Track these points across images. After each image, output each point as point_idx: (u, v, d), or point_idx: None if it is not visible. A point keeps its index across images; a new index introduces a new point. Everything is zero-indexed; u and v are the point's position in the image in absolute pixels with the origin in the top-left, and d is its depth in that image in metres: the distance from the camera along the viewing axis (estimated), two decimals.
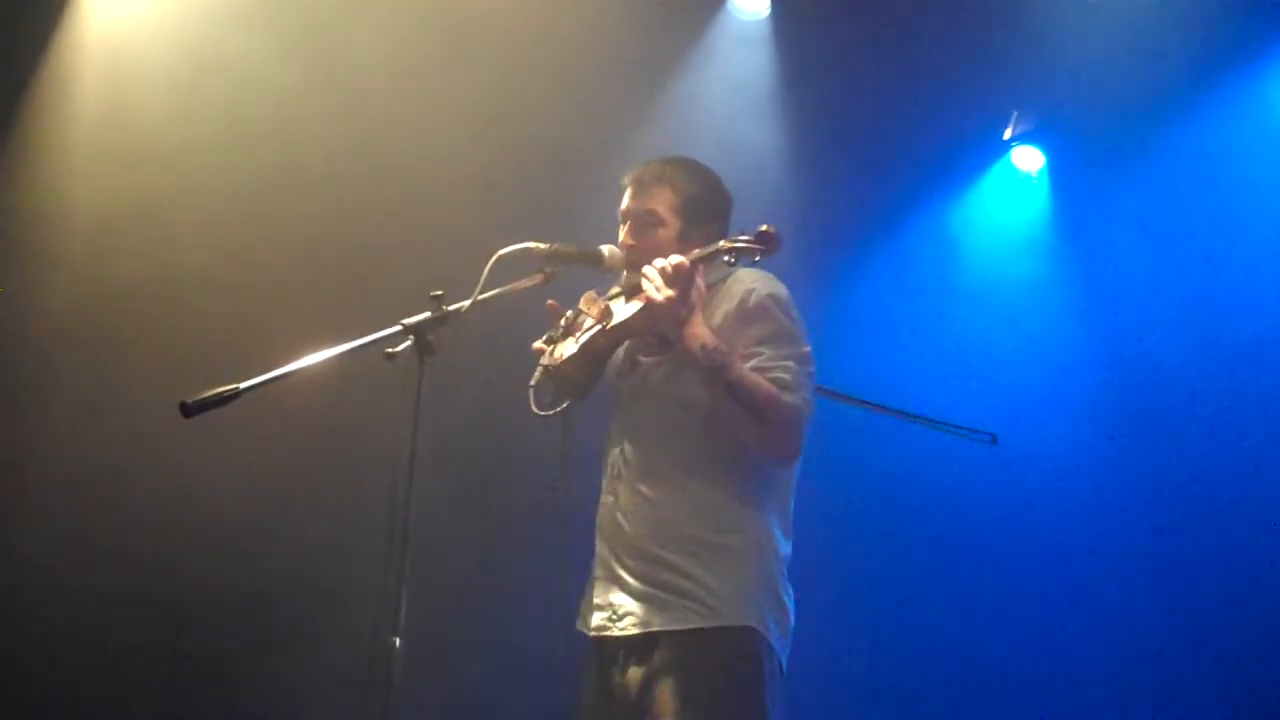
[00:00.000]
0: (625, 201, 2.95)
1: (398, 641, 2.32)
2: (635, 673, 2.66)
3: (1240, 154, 4.94)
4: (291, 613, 4.42)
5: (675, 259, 2.67)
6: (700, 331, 2.65)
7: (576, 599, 2.92)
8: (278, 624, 4.41)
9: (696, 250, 2.73)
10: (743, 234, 2.65)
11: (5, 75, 4.46)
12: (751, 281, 2.80)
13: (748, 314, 2.75)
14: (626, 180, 2.97)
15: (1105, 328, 5.20)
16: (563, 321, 2.92)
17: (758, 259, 2.62)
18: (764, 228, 2.60)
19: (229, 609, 4.37)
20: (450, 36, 4.63)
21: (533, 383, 2.87)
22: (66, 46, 4.53)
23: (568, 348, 2.85)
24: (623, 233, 2.93)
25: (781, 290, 2.80)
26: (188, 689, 4.30)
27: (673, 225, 2.88)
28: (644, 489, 2.76)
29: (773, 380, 2.65)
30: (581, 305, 2.84)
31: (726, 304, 2.79)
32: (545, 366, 2.85)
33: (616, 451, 2.86)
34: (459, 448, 4.11)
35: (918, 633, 4.94)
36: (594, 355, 2.85)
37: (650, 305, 2.66)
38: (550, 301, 2.91)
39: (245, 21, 4.59)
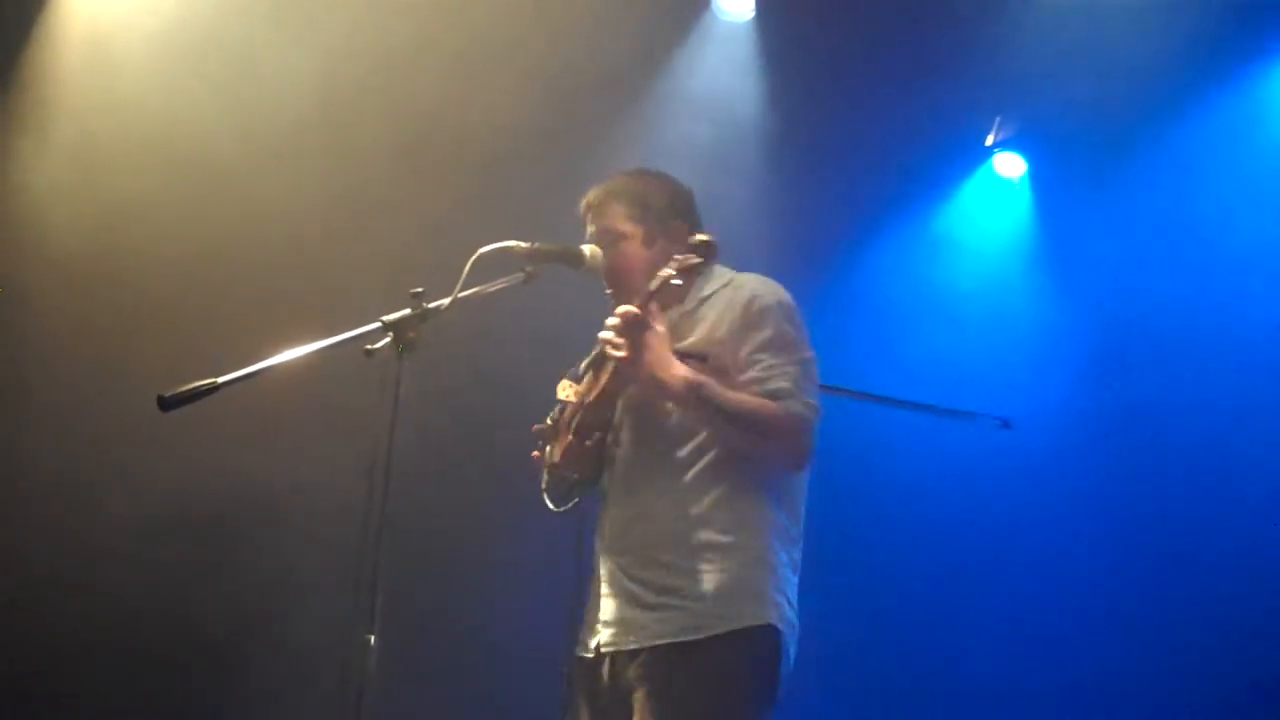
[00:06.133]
0: (587, 231, 2.92)
1: (372, 639, 2.32)
2: (648, 683, 2.57)
3: (1221, 158, 4.97)
4: (267, 608, 4.42)
5: (623, 309, 2.60)
6: (677, 371, 2.59)
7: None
8: (253, 619, 4.41)
9: (645, 289, 2.65)
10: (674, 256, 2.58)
11: None
12: (755, 288, 2.76)
13: (751, 319, 2.70)
14: (580, 210, 2.94)
15: (1087, 331, 5.22)
16: (549, 421, 2.89)
17: (707, 268, 2.59)
18: (698, 238, 2.54)
19: (205, 604, 4.37)
20: (435, 34, 4.63)
21: (544, 487, 2.87)
22: (52, 40, 4.52)
23: (561, 443, 2.82)
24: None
25: (785, 296, 2.76)
26: (162, 683, 4.30)
27: (635, 234, 2.85)
28: (646, 495, 2.69)
29: (773, 390, 2.62)
30: (559, 395, 2.84)
31: (730, 312, 2.74)
32: (549, 467, 2.85)
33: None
34: (437, 445, 4.11)
35: (920, 629, 4.95)
36: (589, 435, 2.79)
37: (618, 368, 2.62)
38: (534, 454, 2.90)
39: (236, 13, 4.59)
